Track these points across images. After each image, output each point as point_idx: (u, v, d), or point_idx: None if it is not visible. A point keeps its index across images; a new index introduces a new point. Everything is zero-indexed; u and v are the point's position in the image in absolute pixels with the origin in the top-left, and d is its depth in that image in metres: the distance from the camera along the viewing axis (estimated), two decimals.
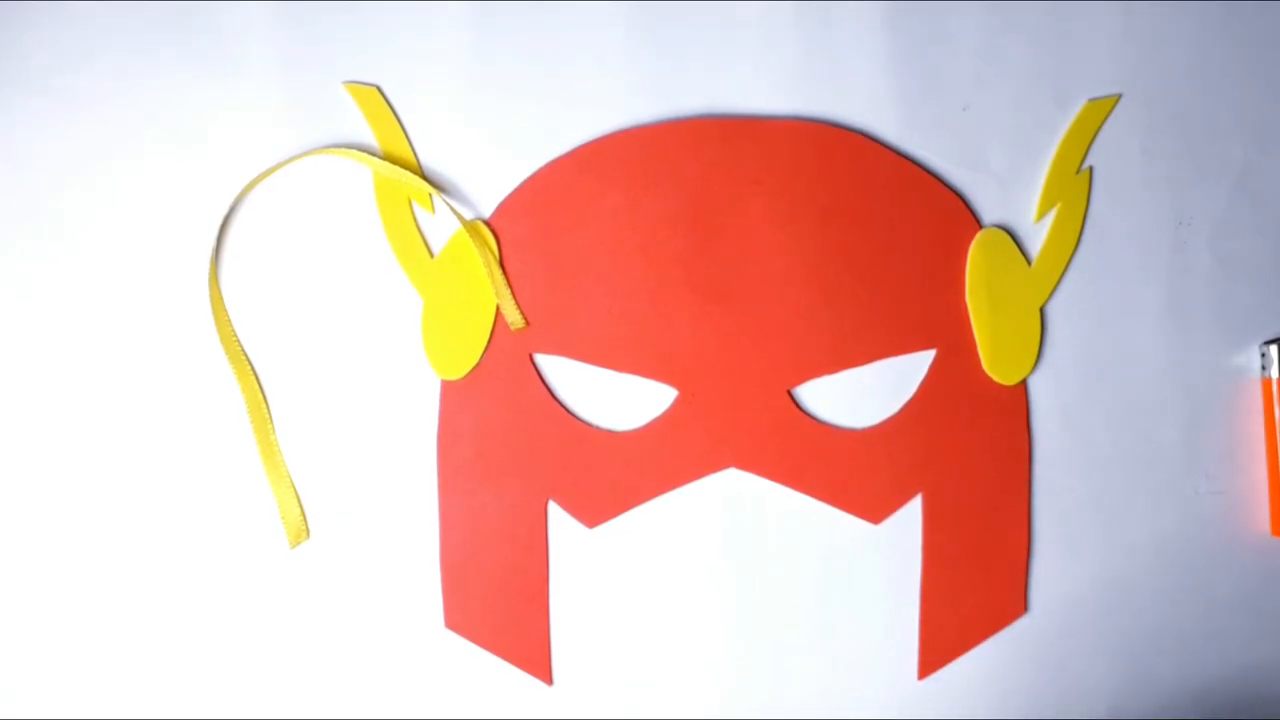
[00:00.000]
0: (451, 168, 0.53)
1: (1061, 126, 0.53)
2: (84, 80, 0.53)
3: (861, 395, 0.54)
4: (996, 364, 0.54)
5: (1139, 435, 0.54)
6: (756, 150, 0.53)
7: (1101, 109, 0.53)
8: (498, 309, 0.53)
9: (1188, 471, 0.54)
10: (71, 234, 0.53)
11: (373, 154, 0.53)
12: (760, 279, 0.53)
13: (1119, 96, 0.53)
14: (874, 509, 0.54)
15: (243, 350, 0.53)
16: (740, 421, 0.54)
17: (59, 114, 0.53)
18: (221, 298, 0.53)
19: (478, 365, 0.53)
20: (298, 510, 0.53)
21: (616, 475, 0.54)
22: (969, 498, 0.54)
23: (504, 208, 0.53)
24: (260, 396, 0.53)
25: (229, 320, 0.53)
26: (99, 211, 0.53)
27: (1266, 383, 0.53)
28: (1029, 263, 0.54)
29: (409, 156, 0.53)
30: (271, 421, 0.53)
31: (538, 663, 0.54)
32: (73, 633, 0.54)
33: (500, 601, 0.54)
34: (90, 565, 0.54)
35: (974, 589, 0.55)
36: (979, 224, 0.54)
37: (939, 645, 0.55)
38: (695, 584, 0.54)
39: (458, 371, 0.53)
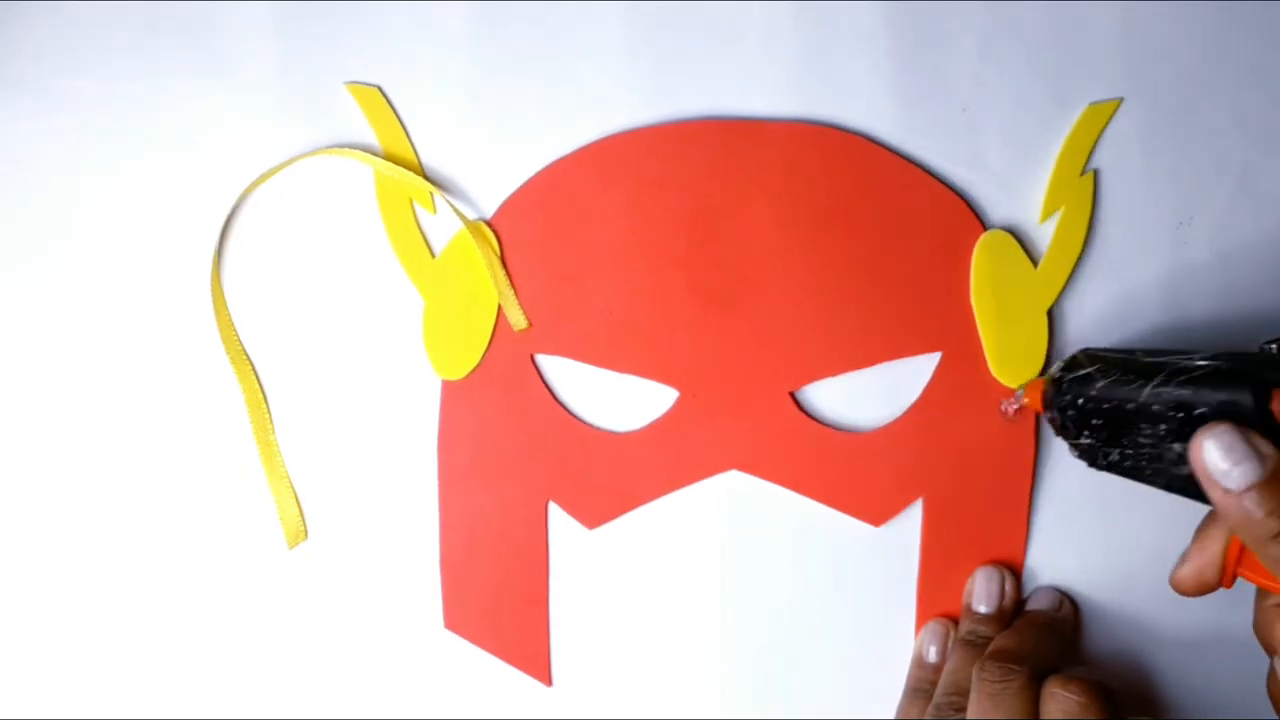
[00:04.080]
0: (453, 168, 0.53)
1: (1063, 127, 0.54)
2: (86, 81, 0.53)
3: (864, 398, 0.54)
4: (1003, 367, 0.53)
5: None
6: (758, 152, 0.53)
7: (1103, 112, 0.53)
8: (499, 309, 0.53)
9: None
10: (73, 234, 0.53)
11: (374, 154, 0.53)
12: (762, 281, 0.53)
13: (1121, 100, 0.54)
14: (875, 512, 0.54)
15: (244, 350, 0.53)
16: (742, 423, 0.53)
17: (60, 114, 0.53)
18: (223, 297, 0.53)
19: (479, 365, 0.53)
20: (296, 511, 0.53)
21: (617, 476, 0.54)
22: (970, 501, 0.54)
23: (506, 208, 0.53)
24: (260, 396, 0.53)
25: (230, 320, 0.53)
26: (101, 211, 0.53)
27: None
28: (1035, 265, 0.54)
29: (411, 156, 0.53)
30: (271, 421, 0.53)
31: (537, 663, 0.54)
32: (72, 632, 0.54)
33: (500, 602, 0.54)
34: (89, 564, 0.53)
35: None
36: (983, 226, 0.54)
37: None
38: (695, 585, 0.54)
39: (459, 372, 0.53)
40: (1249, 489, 0.43)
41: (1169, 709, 0.55)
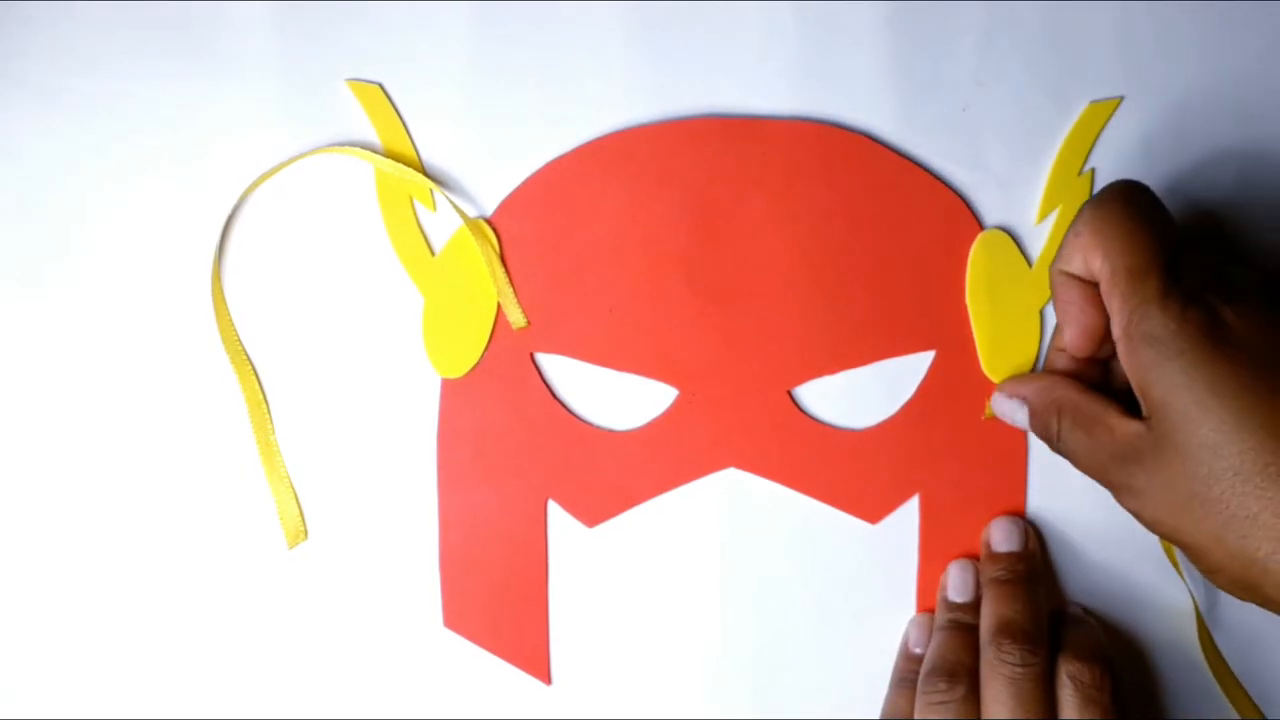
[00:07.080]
0: (454, 165, 0.53)
1: (1062, 127, 0.53)
2: (86, 81, 0.52)
3: (861, 396, 0.54)
4: (996, 366, 0.54)
5: None
6: (758, 150, 0.53)
7: (1104, 111, 0.53)
8: (499, 307, 0.53)
9: None
10: (73, 234, 0.53)
11: (375, 151, 0.53)
12: (761, 279, 0.53)
13: (1122, 99, 0.53)
14: (872, 509, 0.54)
15: (244, 349, 0.53)
16: (740, 421, 0.54)
17: (61, 114, 0.53)
18: (224, 297, 0.53)
19: (478, 364, 0.53)
20: (296, 511, 0.53)
21: (616, 474, 0.54)
22: (966, 498, 0.54)
23: (506, 206, 0.53)
24: (260, 396, 0.53)
25: (230, 319, 0.53)
26: (101, 211, 0.53)
27: None
28: (1030, 265, 0.54)
29: (411, 154, 0.53)
30: (271, 421, 0.53)
31: (536, 662, 0.54)
32: (71, 632, 0.54)
33: (499, 601, 0.54)
34: (89, 564, 0.54)
35: None
36: (980, 225, 0.54)
37: None
38: (694, 583, 0.54)
39: (458, 370, 0.53)
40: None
41: (1168, 686, 0.55)
